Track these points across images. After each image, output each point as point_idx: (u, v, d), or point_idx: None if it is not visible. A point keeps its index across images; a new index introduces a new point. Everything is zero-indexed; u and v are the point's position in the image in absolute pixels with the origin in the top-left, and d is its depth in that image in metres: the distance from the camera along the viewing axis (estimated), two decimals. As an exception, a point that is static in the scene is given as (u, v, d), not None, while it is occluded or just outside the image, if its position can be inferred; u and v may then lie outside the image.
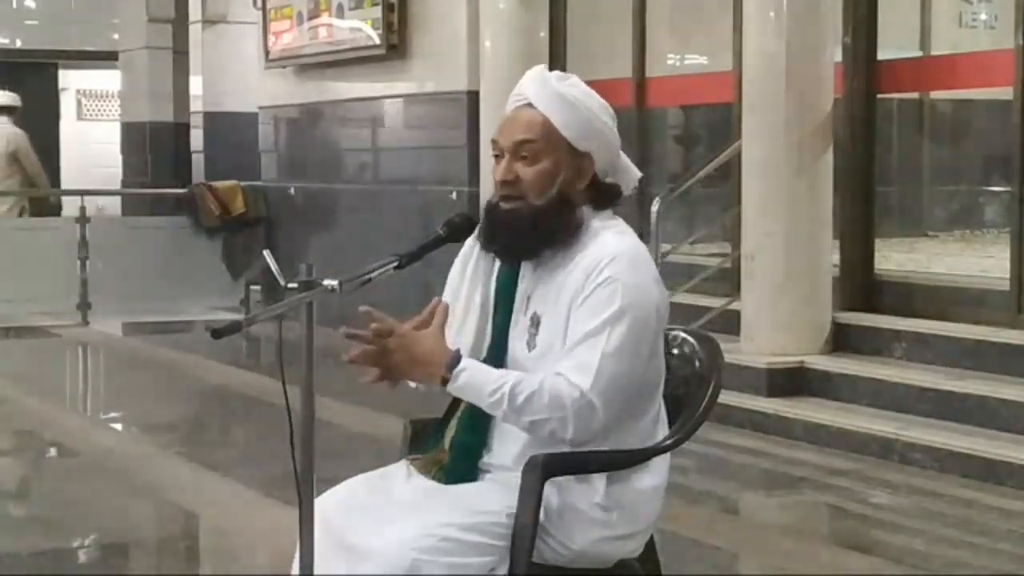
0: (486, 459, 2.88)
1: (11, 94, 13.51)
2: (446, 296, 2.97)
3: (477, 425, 2.88)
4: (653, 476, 2.88)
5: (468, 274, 2.98)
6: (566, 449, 2.78)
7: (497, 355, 2.89)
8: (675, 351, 3.05)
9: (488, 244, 2.92)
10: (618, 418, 2.79)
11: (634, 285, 2.78)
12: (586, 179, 2.87)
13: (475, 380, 2.76)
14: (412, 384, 2.87)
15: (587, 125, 2.86)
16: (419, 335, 2.79)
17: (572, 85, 2.90)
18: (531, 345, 2.84)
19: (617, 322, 2.75)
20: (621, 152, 2.96)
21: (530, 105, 2.87)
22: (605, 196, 2.91)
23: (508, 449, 2.85)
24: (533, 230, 2.84)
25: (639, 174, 3.00)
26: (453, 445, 2.90)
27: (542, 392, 2.73)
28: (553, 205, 2.83)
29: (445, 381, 2.77)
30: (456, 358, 2.77)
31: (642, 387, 2.83)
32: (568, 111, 2.85)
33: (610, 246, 2.81)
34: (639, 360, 2.79)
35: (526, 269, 2.91)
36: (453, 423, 2.93)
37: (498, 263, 2.95)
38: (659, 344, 2.87)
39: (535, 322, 2.85)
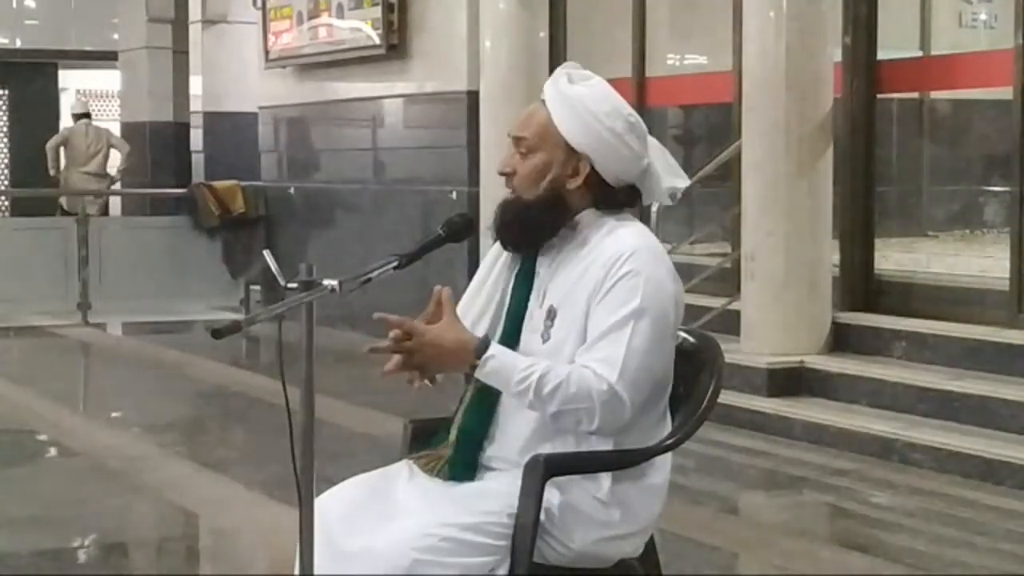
0: (489, 452, 2.88)
1: (83, 100, 16.04)
2: (471, 287, 3.01)
3: (481, 415, 2.89)
4: (654, 476, 2.88)
5: (496, 268, 3.01)
6: (571, 448, 2.78)
7: (508, 346, 2.89)
8: (675, 351, 3.05)
9: (494, 233, 2.96)
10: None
11: (655, 279, 2.80)
12: (579, 179, 2.87)
13: (504, 367, 2.77)
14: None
15: (584, 127, 2.86)
16: (441, 328, 2.80)
17: (587, 86, 2.90)
18: (545, 337, 2.86)
19: (640, 316, 2.76)
20: (656, 161, 2.92)
21: (545, 102, 2.90)
22: (609, 199, 2.90)
23: (511, 442, 2.85)
24: (520, 221, 2.88)
25: (678, 186, 2.95)
26: (457, 434, 2.90)
27: (569, 383, 2.73)
28: (542, 199, 2.87)
29: (474, 367, 2.78)
30: (484, 344, 2.78)
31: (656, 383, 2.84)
32: (568, 111, 2.86)
33: (628, 240, 2.83)
34: (662, 352, 2.82)
35: (542, 263, 2.93)
36: (459, 415, 2.94)
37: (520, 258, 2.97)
38: (673, 339, 2.88)
39: (551, 315, 2.86)
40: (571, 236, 2.89)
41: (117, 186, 15.27)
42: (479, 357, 2.77)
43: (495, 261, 3.02)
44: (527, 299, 2.92)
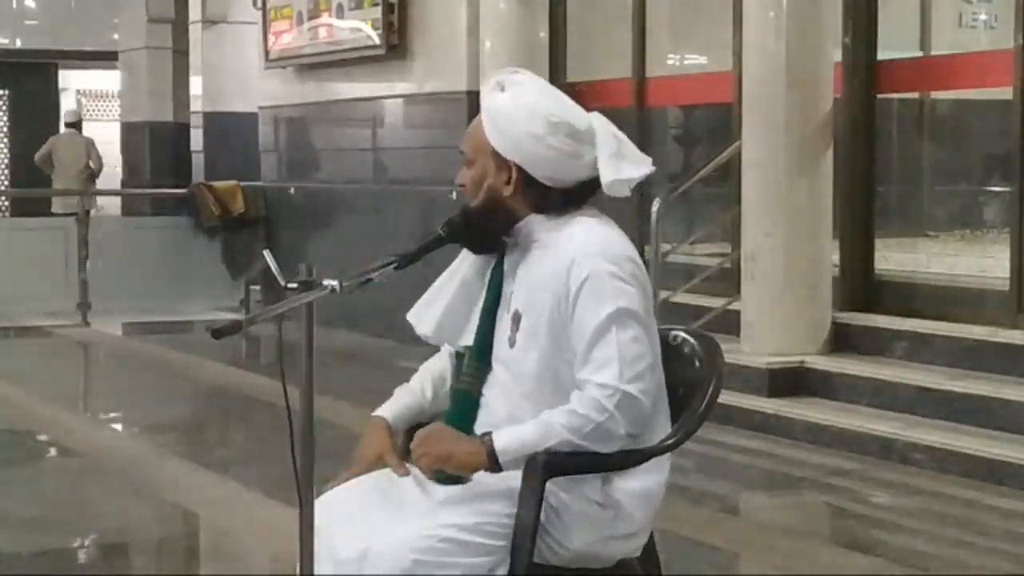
0: None
1: (75, 111, 16.41)
2: (447, 273, 3.00)
3: (463, 415, 2.89)
4: (650, 476, 2.87)
5: (476, 261, 2.99)
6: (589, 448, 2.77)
7: (483, 351, 2.91)
8: (675, 351, 3.05)
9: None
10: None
11: (610, 273, 2.78)
12: (511, 185, 2.87)
13: (522, 450, 2.74)
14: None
15: (505, 135, 2.86)
16: (427, 439, 2.80)
17: (512, 92, 2.90)
18: (512, 342, 2.86)
19: (616, 315, 2.76)
20: (604, 154, 2.85)
21: None
22: (550, 202, 2.88)
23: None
24: (466, 228, 2.90)
25: (630, 176, 2.85)
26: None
27: (577, 409, 2.73)
28: (481, 208, 2.89)
29: (500, 467, 2.76)
30: (491, 447, 2.74)
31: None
32: (491, 120, 2.89)
33: (574, 242, 2.82)
34: (651, 334, 2.82)
35: (507, 266, 2.93)
36: (443, 417, 2.95)
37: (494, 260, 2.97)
38: (651, 314, 2.86)
39: (516, 319, 2.87)
40: (520, 241, 2.90)
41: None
42: (494, 460, 2.74)
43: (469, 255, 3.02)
44: (499, 298, 2.93)
